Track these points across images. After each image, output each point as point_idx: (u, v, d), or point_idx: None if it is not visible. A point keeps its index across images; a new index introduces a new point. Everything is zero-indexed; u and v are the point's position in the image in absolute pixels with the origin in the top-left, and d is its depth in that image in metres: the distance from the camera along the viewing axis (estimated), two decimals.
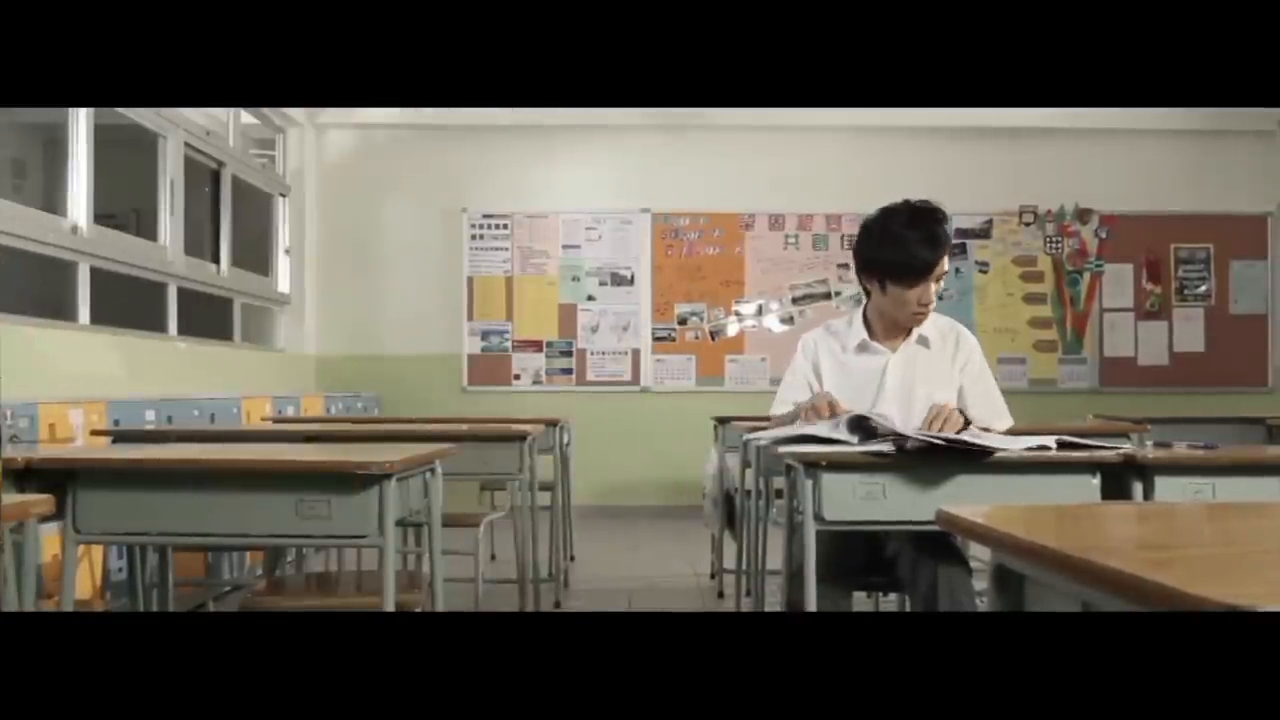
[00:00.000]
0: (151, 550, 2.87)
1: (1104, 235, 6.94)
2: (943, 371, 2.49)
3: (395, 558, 2.04)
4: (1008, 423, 2.50)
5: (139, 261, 4.78)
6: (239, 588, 4.06)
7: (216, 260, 5.73)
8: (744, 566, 3.71)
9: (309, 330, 6.83)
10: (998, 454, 2.00)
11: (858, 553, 2.29)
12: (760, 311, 6.86)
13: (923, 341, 2.51)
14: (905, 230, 2.34)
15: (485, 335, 6.85)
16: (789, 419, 2.47)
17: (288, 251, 6.76)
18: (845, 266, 6.76)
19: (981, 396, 2.49)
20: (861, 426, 2.17)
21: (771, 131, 6.71)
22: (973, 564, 2.26)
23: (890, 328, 2.50)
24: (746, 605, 3.68)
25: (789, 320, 6.80)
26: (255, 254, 6.34)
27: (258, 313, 6.46)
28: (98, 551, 3.09)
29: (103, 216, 4.40)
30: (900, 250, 2.34)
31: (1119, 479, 2.03)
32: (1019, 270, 6.93)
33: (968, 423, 2.31)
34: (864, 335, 2.52)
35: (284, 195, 6.74)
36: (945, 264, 2.40)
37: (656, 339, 6.86)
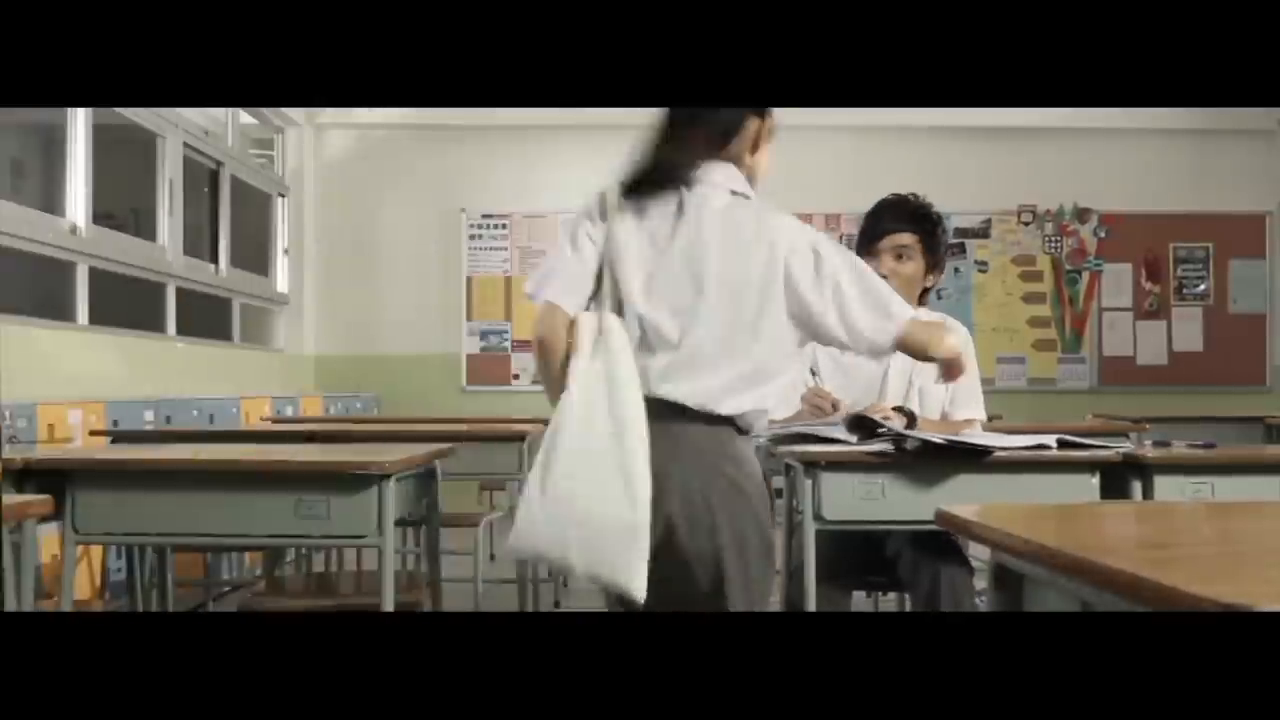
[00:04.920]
0: (150, 550, 2.87)
1: (1103, 234, 6.94)
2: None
3: (395, 558, 2.04)
4: (975, 414, 2.47)
5: (138, 262, 4.78)
6: (238, 588, 4.06)
7: (215, 260, 5.72)
8: None
9: (308, 330, 6.83)
10: (997, 453, 2.00)
11: (857, 552, 2.29)
12: None
13: None
14: (874, 208, 2.44)
15: (484, 335, 6.85)
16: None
17: (286, 251, 6.75)
18: None
19: (958, 386, 2.48)
20: (861, 426, 2.17)
21: None
22: (973, 564, 2.26)
23: None
24: None
25: None
26: (254, 254, 6.33)
27: (257, 313, 6.45)
28: (96, 552, 3.09)
29: (101, 217, 4.40)
30: (864, 222, 2.45)
31: (1118, 478, 2.03)
32: (1018, 270, 6.93)
33: (911, 419, 2.28)
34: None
35: (283, 195, 6.74)
36: (905, 240, 2.37)
37: None
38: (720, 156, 1.74)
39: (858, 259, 1.82)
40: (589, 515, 1.54)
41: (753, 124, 1.77)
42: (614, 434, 1.60)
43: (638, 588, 1.47)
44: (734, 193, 1.74)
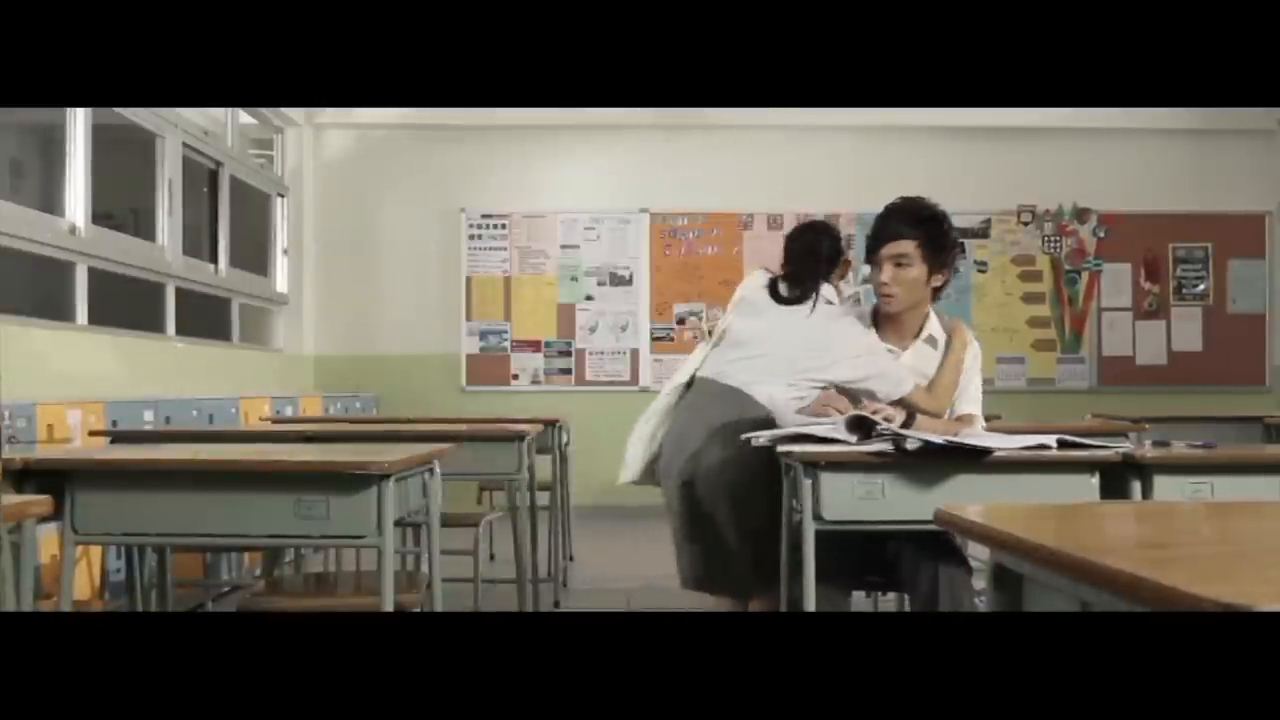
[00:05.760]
0: (150, 551, 2.87)
1: (1102, 234, 6.94)
2: None
3: (394, 558, 2.04)
4: (975, 410, 2.52)
5: (137, 262, 4.78)
6: (237, 588, 4.06)
7: (214, 260, 5.72)
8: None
9: (307, 330, 6.83)
10: (997, 454, 2.00)
11: (857, 552, 2.29)
12: None
13: (932, 342, 2.51)
14: (880, 213, 2.50)
15: (484, 335, 6.85)
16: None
17: (286, 251, 6.75)
18: None
19: (966, 385, 2.53)
20: (860, 425, 2.17)
21: (771, 131, 6.70)
22: (972, 564, 2.26)
23: (893, 325, 2.51)
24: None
25: None
26: (253, 254, 6.33)
27: (256, 313, 6.45)
28: (96, 552, 3.09)
29: (101, 217, 4.40)
30: (871, 227, 2.51)
31: (1118, 478, 2.03)
32: (1017, 270, 6.93)
33: (910, 415, 2.31)
34: (874, 336, 2.54)
35: (282, 195, 6.74)
36: (904, 247, 2.41)
37: (655, 339, 6.85)
38: (826, 279, 2.70)
39: (881, 359, 2.53)
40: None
41: (842, 264, 2.77)
42: (666, 395, 2.77)
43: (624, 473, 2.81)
44: (828, 301, 2.66)
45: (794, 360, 2.54)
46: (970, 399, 2.54)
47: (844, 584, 2.29)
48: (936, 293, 2.51)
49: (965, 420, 2.50)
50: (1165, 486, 1.97)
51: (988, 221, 6.91)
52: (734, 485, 2.46)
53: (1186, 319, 6.93)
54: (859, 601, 2.76)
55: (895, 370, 2.48)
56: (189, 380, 4.87)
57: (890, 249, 2.42)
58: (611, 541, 5.69)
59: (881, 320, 2.54)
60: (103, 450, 2.67)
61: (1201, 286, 6.95)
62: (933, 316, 2.54)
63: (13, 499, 1.60)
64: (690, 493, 2.55)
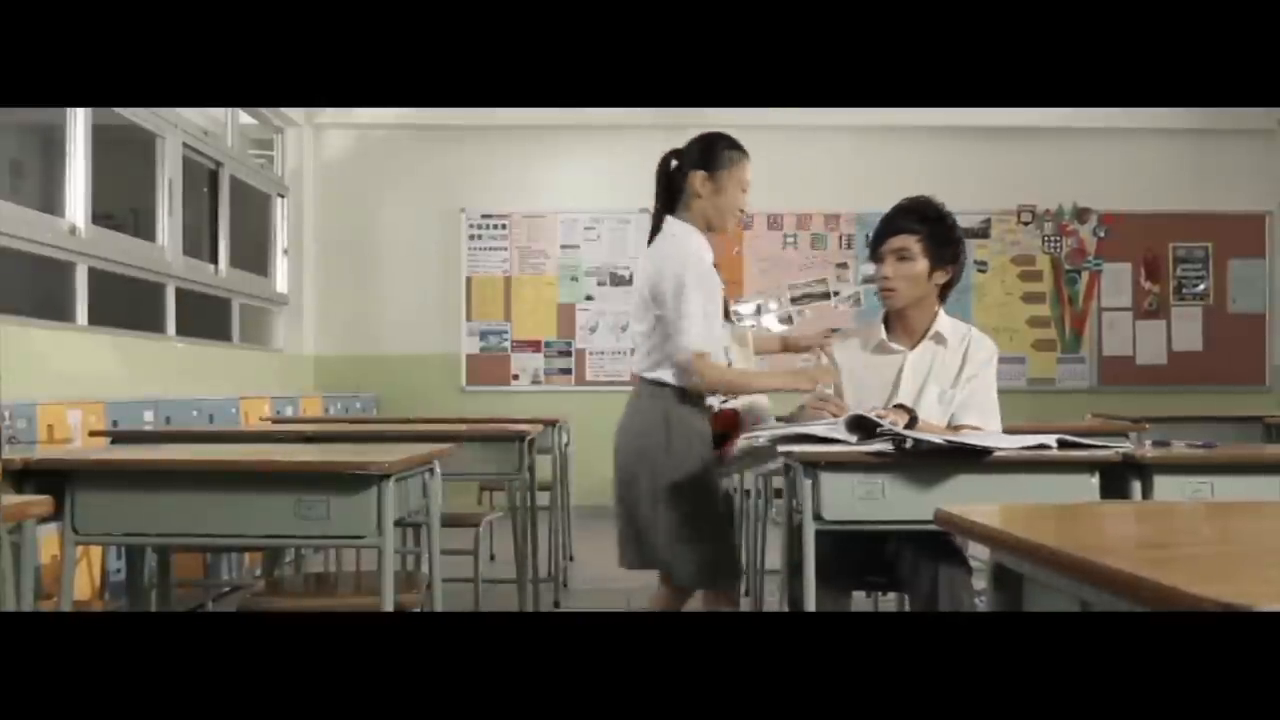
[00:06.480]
0: (150, 551, 2.87)
1: (1102, 234, 6.94)
2: (954, 370, 2.48)
3: (394, 558, 2.04)
4: (980, 423, 2.42)
5: (137, 262, 4.78)
6: (238, 588, 4.06)
7: (215, 261, 5.72)
8: (743, 566, 3.70)
9: (307, 330, 6.83)
10: (997, 454, 2.00)
11: (857, 552, 2.29)
12: (759, 311, 6.86)
13: (939, 340, 2.50)
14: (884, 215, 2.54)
15: (484, 335, 6.85)
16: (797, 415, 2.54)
17: (286, 252, 6.76)
18: (844, 266, 6.76)
19: (972, 393, 2.46)
20: (861, 426, 2.17)
21: (770, 131, 6.67)
22: (972, 564, 2.26)
23: (901, 324, 2.51)
24: (746, 605, 3.68)
25: (787, 320, 6.79)
26: (253, 254, 6.33)
27: (256, 313, 6.45)
28: (96, 552, 3.09)
29: (101, 217, 4.40)
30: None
31: (1118, 478, 2.03)
32: (1017, 269, 6.93)
33: (911, 418, 2.29)
34: (883, 335, 2.53)
35: (282, 195, 6.74)
36: (904, 242, 2.42)
37: None
38: (675, 214, 2.61)
39: (699, 292, 2.51)
40: None
41: (693, 178, 2.57)
42: None
43: None
44: (673, 235, 2.58)
45: (639, 319, 2.60)
46: (975, 408, 2.44)
47: (844, 584, 2.29)
48: (943, 291, 2.49)
49: (962, 431, 2.43)
50: (1165, 486, 1.97)
51: (988, 221, 6.91)
52: (647, 463, 2.67)
53: (1186, 319, 6.93)
54: (859, 601, 2.76)
55: (679, 335, 2.48)
56: (189, 380, 4.88)
57: (892, 243, 2.43)
58: (611, 542, 5.67)
59: (890, 319, 2.54)
60: (103, 450, 2.67)
61: (1201, 286, 6.95)
62: (942, 316, 2.52)
63: (13, 499, 1.60)
64: (623, 490, 2.75)
